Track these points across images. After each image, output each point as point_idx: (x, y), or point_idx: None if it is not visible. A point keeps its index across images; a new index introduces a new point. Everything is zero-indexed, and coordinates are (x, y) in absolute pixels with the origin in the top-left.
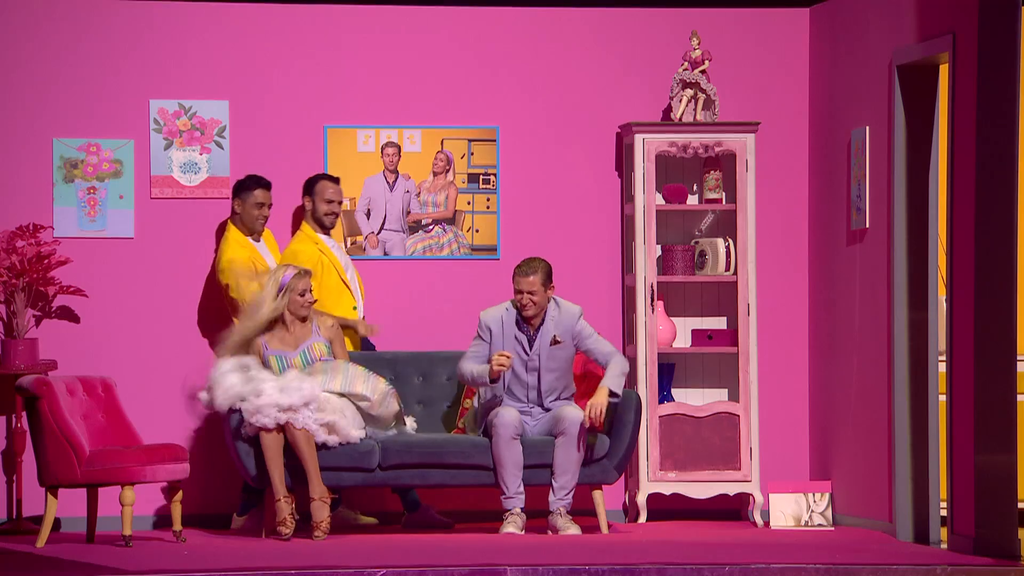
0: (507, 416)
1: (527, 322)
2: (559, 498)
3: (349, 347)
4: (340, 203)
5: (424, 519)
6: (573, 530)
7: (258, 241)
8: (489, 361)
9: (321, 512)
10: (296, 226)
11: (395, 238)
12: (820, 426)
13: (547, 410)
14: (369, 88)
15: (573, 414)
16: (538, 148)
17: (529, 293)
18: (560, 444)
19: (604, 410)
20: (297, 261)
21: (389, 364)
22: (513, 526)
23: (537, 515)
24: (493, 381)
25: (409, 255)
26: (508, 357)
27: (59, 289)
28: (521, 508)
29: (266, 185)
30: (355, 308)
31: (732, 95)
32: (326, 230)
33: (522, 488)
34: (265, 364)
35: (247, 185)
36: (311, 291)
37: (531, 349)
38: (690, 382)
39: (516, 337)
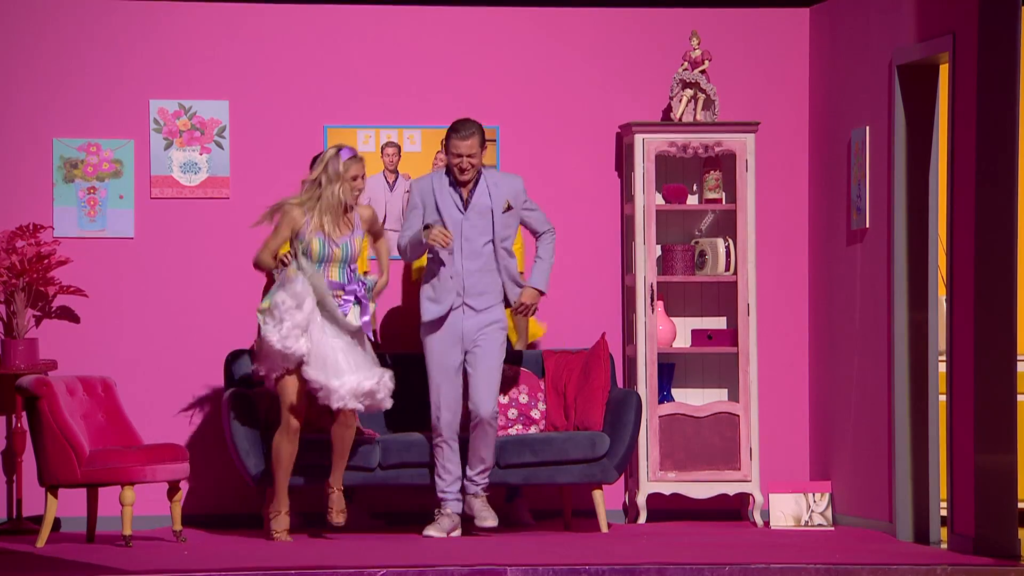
0: (448, 418)
1: (461, 186)
2: (478, 483)
3: None
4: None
5: (512, 513)
6: (490, 520)
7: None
8: (425, 227)
9: (342, 500)
10: None
11: (395, 238)
12: (820, 426)
13: (476, 310)
14: (369, 88)
15: (488, 408)
16: (538, 148)
17: (468, 156)
18: (477, 437)
19: (535, 310)
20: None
21: (389, 364)
22: (437, 529)
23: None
24: (427, 241)
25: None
26: (448, 237)
27: (59, 289)
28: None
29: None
30: None
31: (732, 95)
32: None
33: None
34: (304, 244)
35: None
36: (363, 177)
37: (465, 209)
38: (690, 382)
39: (451, 198)
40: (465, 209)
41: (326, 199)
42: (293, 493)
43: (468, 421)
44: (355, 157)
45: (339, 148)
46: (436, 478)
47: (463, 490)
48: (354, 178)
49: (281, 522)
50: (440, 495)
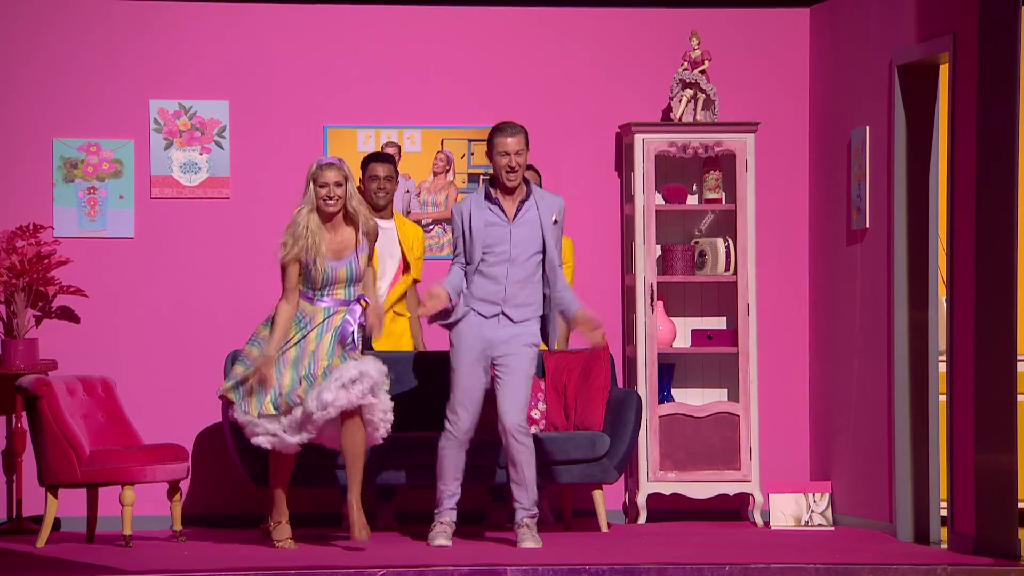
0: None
1: (508, 194)
2: (525, 508)
3: None
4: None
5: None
6: (530, 543)
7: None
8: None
9: (362, 515)
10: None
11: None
12: (820, 426)
13: (512, 321)
14: (369, 88)
15: (512, 418)
16: (538, 148)
17: (516, 154)
18: (509, 455)
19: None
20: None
21: (390, 364)
22: (445, 537)
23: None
24: (432, 319)
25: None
26: (438, 301)
27: (59, 289)
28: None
29: (385, 159)
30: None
31: (732, 95)
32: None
33: (458, 491)
34: (308, 267)
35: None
36: (346, 185)
37: (514, 220)
38: (690, 382)
39: (491, 211)
40: (513, 219)
41: (312, 214)
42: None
43: (486, 437)
44: (329, 164)
45: (320, 158)
46: (437, 479)
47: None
48: (323, 185)
49: (283, 531)
50: (437, 495)
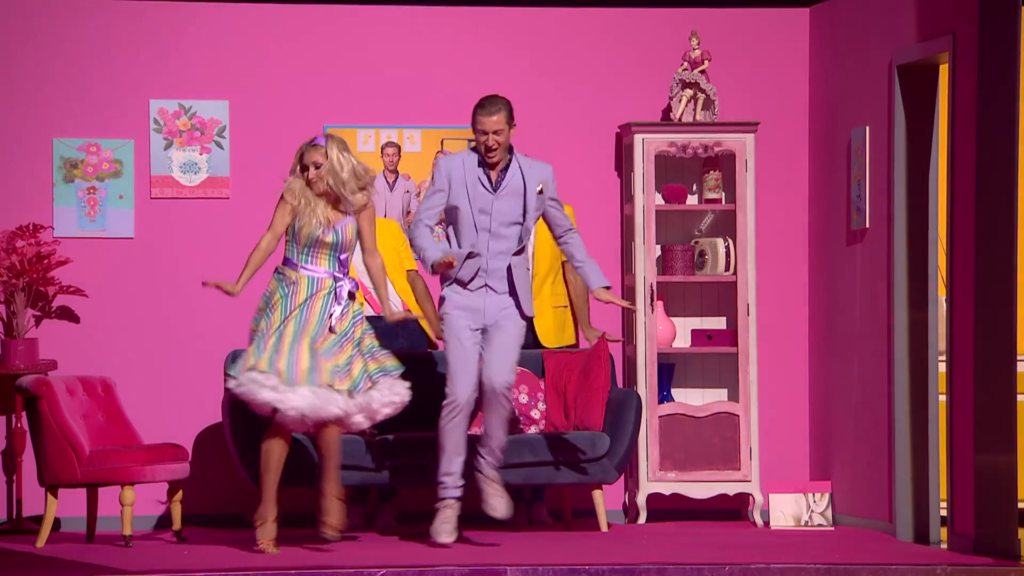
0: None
1: (490, 167)
2: (489, 462)
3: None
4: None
5: (531, 513)
6: (500, 510)
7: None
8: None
9: (341, 511)
10: None
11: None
12: (820, 426)
13: (496, 292)
14: (369, 88)
15: (501, 379)
16: (538, 148)
17: (494, 133)
18: (488, 411)
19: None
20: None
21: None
22: (447, 533)
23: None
24: (433, 272)
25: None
26: (453, 262)
27: (59, 289)
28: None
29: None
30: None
31: (732, 95)
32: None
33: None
34: (299, 223)
35: None
36: (317, 165)
37: (495, 191)
38: (690, 382)
39: (480, 179)
40: (495, 189)
41: (306, 189)
42: (288, 494)
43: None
44: (312, 144)
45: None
46: (439, 458)
47: (470, 475)
48: (304, 168)
49: (267, 531)
50: (439, 480)
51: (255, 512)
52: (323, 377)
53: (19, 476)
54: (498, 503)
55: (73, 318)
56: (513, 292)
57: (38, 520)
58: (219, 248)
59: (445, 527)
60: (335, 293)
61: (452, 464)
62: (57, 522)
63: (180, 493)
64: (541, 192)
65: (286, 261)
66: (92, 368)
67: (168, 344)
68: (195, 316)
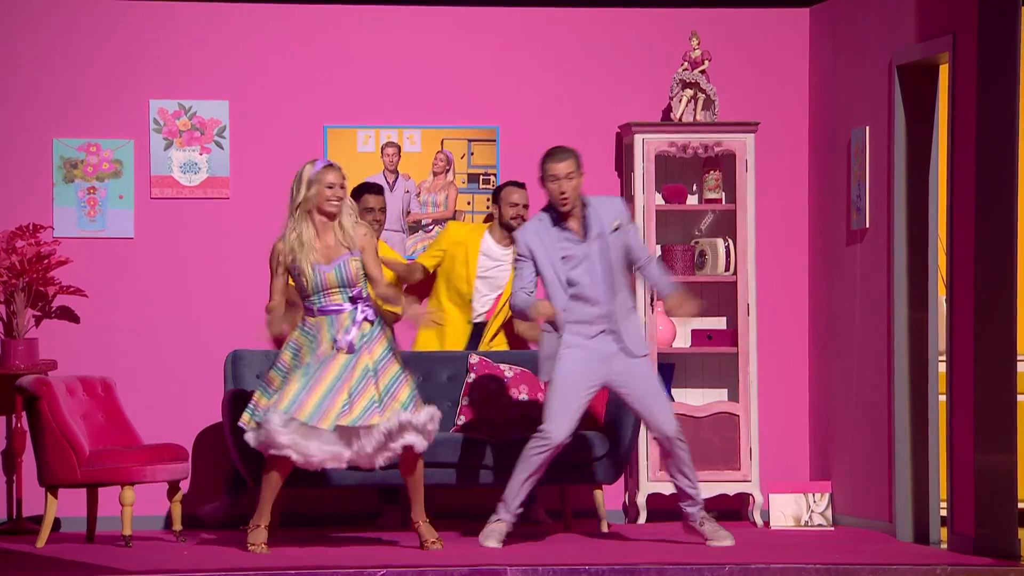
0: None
1: (565, 219)
2: (696, 502)
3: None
4: (525, 207)
5: (529, 513)
6: (728, 540)
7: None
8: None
9: (432, 530)
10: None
11: (395, 238)
12: (820, 426)
13: (616, 334)
14: (369, 88)
15: (672, 426)
16: (538, 148)
17: (567, 177)
18: (674, 461)
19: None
20: (445, 232)
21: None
22: (495, 540)
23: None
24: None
25: (409, 255)
26: (552, 310)
27: (59, 289)
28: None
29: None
30: (472, 319)
31: (732, 95)
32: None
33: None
34: (299, 276)
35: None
36: (342, 187)
37: (586, 238)
38: (690, 382)
39: (562, 235)
40: (585, 237)
41: (303, 220)
42: (287, 494)
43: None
44: (330, 166)
45: (313, 161)
46: (512, 477)
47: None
48: (329, 186)
49: (258, 535)
50: (502, 497)
51: (250, 520)
52: (354, 414)
53: (19, 476)
54: (725, 535)
55: (73, 318)
56: (629, 333)
57: (38, 520)
58: (219, 248)
59: (494, 535)
60: (353, 318)
61: (520, 488)
62: (57, 522)
63: (180, 493)
64: (618, 228)
65: (305, 310)
66: (92, 368)
67: (168, 344)
68: (195, 316)
